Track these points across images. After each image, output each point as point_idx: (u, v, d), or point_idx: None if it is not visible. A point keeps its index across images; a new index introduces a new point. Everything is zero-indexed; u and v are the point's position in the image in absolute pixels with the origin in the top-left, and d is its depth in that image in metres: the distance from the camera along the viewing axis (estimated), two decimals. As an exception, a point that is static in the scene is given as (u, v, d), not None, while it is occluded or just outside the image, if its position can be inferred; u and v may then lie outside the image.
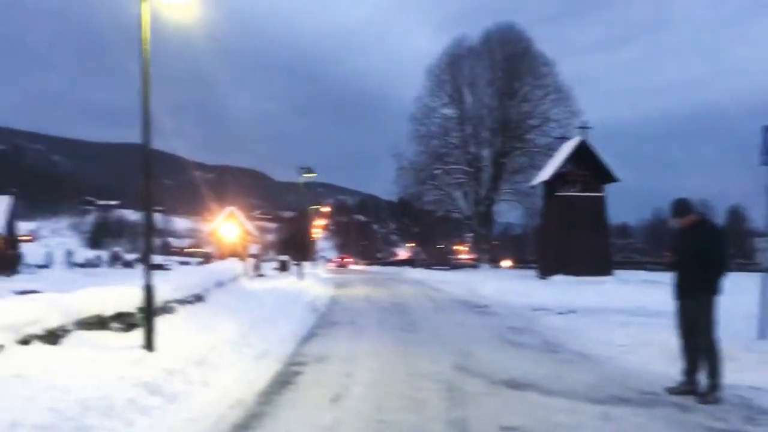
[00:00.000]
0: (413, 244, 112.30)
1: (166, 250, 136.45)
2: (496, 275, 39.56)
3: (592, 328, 12.99)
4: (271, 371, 8.87)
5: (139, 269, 47.90)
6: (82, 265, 53.90)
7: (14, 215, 37.07)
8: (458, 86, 56.75)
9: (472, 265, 60.94)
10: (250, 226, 40.20)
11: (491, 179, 56.56)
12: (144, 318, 8.12)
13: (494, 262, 60.88)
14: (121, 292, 9.78)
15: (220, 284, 15.84)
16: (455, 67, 56.43)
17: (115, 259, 57.29)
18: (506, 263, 64.54)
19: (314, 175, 33.15)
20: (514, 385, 8.01)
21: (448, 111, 57.62)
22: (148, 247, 8.45)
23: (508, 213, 62.29)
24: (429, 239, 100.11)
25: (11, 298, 12.91)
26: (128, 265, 54.23)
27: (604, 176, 36.05)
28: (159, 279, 10.25)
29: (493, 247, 65.37)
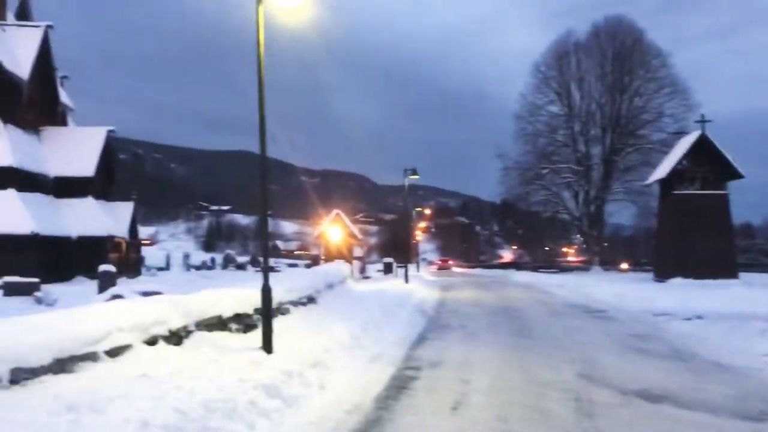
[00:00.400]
0: (517, 247, 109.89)
1: (275, 252, 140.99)
2: (609, 278, 37.84)
3: (726, 335, 11.96)
4: (385, 375, 8.70)
5: (250, 271, 49.71)
6: (198, 268, 56.47)
7: (136, 220, 39.32)
8: (565, 82, 54.98)
9: (582, 268, 58.72)
10: (354, 228, 40.65)
11: (602, 178, 54.32)
12: (261, 320, 8.16)
13: (605, 264, 58.39)
14: (238, 294, 9.94)
15: (330, 286, 15.94)
16: (562, 63, 54.70)
17: (228, 262, 59.64)
18: (624, 266, 61.57)
19: (418, 176, 32.98)
20: (647, 396, 7.40)
21: (555, 108, 55.96)
22: (266, 251, 8.50)
23: (620, 213, 59.63)
24: (534, 241, 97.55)
25: (138, 299, 13.55)
26: (240, 267, 56.27)
27: (726, 172, 33.63)
28: (272, 281, 10.36)
29: (604, 249, 62.75)
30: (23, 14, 41.61)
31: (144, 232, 48.50)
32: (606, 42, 53.42)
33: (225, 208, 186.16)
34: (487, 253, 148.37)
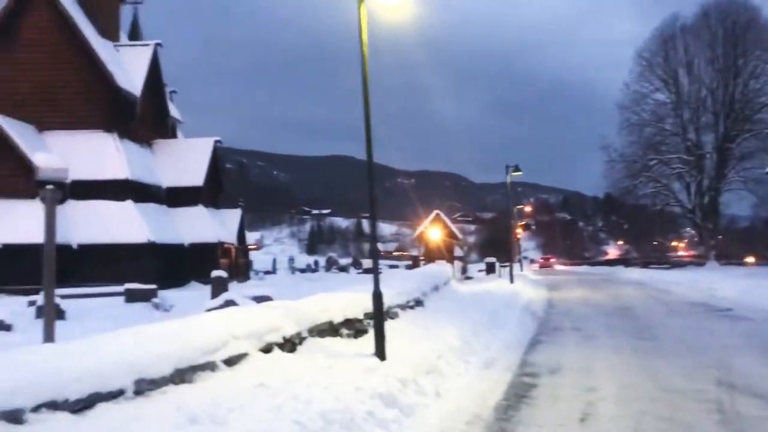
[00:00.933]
0: (623, 242, 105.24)
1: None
2: (729, 273, 35.35)
3: None
4: (502, 382, 8.31)
5: (353, 273, 50.30)
6: (302, 271, 57.82)
7: (244, 226, 40.65)
8: (672, 69, 51.91)
9: (696, 263, 55.33)
10: (454, 228, 40.18)
11: (715, 167, 50.88)
12: (373, 325, 7.98)
13: (722, 258, 54.71)
14: (348, 298, 9.84)
15: (435, 288, 15.67)
16: (668, 48, 51.68)
17: (331, 264, 60.73)
18: (750, 259, 57.42)
19: (521, 173, 32.10)
20: (803, 409, 6.62)
21: (662, 96, 52.92)
22: (375, 256, 8.33)
23: (737, 204, 55.72)
24: (641, 236, 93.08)
25: (251, 305, 13.82)
26: (343, 269, 57.13)
27: None
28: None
29: (719, 242, 58.83)
30: (134, 33, 44.11)
31: (250, 237, 50.15)
32: (716, 23, 50.03)
33: (325, 211, 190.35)
34: (591, 250, 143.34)
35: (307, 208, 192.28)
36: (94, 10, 36.11)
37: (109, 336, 5.75)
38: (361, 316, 9.45)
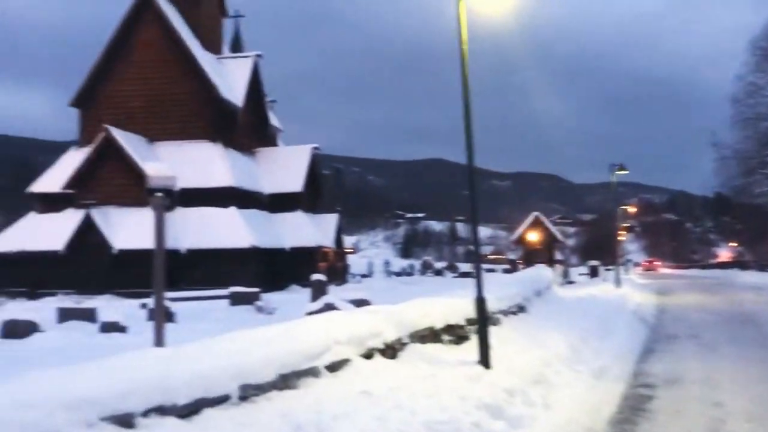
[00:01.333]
0: (736, 244, 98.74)
1: (469, 257, 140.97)
2: None
3: None
4: (615, 394, 7.80)
5: (448, 277, 49.89)
6: (398, 274, 57.92)
7: (341, 231, 41.19)
8: (791, 57, 48.16)
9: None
10: (555, 231, 38.95)
11: None
12: (477, 332, 7.67)
13: None
14: (448, 303, 9.59)
15: (537, 293, 15.12)
16: (786, 36, 48.01)
17: (426, 268, 60.48)
18: None
19: (626, 172, 30.65)
20: None
21: (779, 87, 49.19)
22: (477, 260, 8.04)
23: None
24: (758, 238, 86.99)
25: (351, 309, 13.83)
26: (438, 273, 56.74)
27: None
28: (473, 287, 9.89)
29: None
30: (236, 45, 45.81)
31: (347, 241, 50.79)
32: None
33: (420, 215, 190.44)
34: (701, 252, 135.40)
35: (401, 212, 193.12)
36: (198, 25, 37.85)
37: (215, 340, 5.80)
38: (462, 322, 9.17)
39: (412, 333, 8.00)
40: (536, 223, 36.95)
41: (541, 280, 18.33)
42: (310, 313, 15.31)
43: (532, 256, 37.92)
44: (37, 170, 41.32)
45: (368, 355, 6.91)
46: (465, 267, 73.35)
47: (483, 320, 7.63)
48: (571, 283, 35.13)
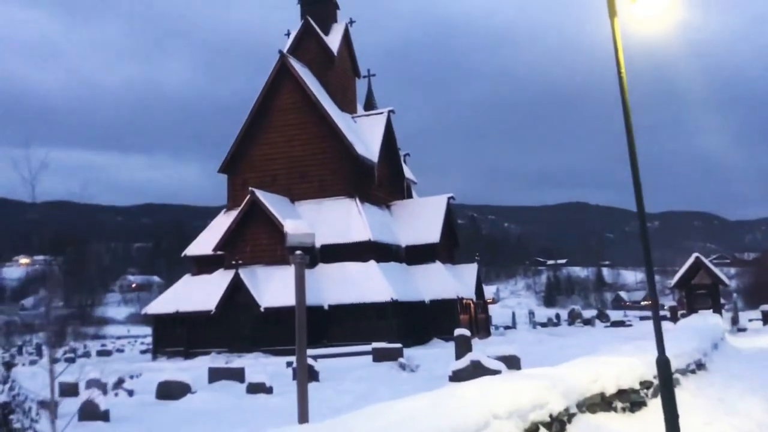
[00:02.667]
0: None
1: (619, 304, 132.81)
2: None
3: None
4: None
5: (599, 327, 46.76)
6: (544, 325, 55.21)
7: (481, 281, 40.06)
8: None
9: None
10: (719, 272, 35.35)
11: None
12: (663, 400, 6.45)
13: None
14: (616, 362, 8.39)
15: (715, 346, 13.27)
16: None
17: (574, 318, 57.19)
18: None
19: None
20: None
21: None
22: (656, 311, 6.87)
23: None
24: None
25: (497, 365, 12.82)
26: (587, 322, 53.42)
27: None
28: (646, 343, 8.61)
29: None
30: (369, 102, 47.05)
31: (486, 291, 49.29)
32: None
33: (561, 261, 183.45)
34: None
35: (541, 259, 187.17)
36: (334, 87, 39.38)
37: (354, 417, 5.18)
38: (636, 386, 7.95)
39: (580, 401, 6.95)
40: (697, 265, 33.69)
41: (712, 329, 16.31)
42: (456, 372, 14.45)
43: (693, 302, 34.53)
44: (192, 234, 44.24)
45: (532, 431, 5.97)
46: (615, 315, 68.77)
47: (669, 388, 6.42)
48: (742, 330, 31.49)
